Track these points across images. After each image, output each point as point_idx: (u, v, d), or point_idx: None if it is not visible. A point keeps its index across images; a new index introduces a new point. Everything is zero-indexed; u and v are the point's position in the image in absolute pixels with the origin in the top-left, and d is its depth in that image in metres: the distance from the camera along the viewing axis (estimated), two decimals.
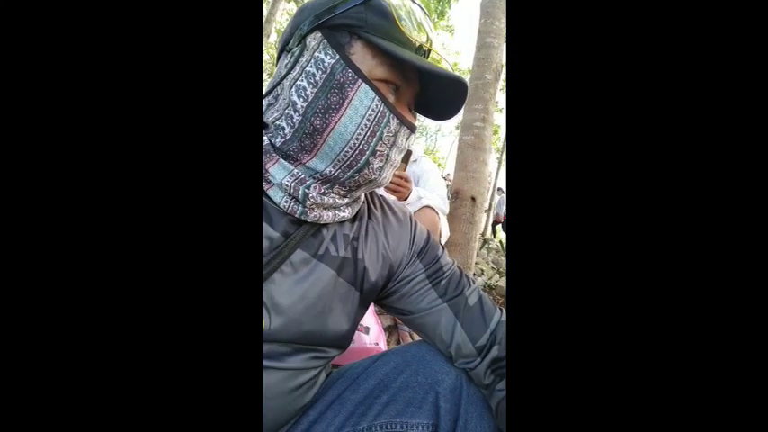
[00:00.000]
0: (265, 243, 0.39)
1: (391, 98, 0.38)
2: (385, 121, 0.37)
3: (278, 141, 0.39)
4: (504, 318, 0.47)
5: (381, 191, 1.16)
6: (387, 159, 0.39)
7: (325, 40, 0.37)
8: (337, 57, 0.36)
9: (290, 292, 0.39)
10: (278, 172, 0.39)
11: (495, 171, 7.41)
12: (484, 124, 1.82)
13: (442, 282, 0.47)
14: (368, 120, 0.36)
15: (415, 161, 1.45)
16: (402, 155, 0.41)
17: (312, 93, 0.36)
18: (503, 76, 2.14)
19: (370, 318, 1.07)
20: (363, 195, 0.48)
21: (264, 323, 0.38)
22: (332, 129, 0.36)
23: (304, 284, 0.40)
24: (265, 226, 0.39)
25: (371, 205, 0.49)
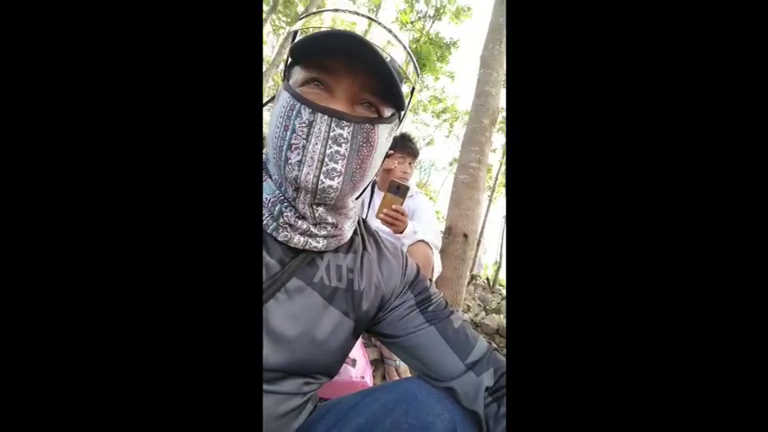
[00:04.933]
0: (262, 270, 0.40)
1: (323, 97, 0.38)
2: (295, 112, 0.37)
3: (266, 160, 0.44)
4: (493, 346, 0.49)
5: (377, 223, 1.18)
6: (304, 151, 0.37)
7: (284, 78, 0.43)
8: (282, 83, 0.41)
9: (285, 319, 0.40)
10: (264, 190, 0.42)
11: (485, 209, 7.57)
12: (479, 165, 1.89)
13: (430, 307, 0.50)
14: (281, 116, 0.38)
15: (410, 196, 1.49)
16: (335, 147, 0.37)
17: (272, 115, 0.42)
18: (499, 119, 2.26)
19: (358, 351, 1.06)
20: (357, 230, 0.51)
21: None
22: (268, 136, 0.41)
23: (298, 312, 0.41)
24: (263, 253, 0.40)
25: (366, 240, 0.52)
